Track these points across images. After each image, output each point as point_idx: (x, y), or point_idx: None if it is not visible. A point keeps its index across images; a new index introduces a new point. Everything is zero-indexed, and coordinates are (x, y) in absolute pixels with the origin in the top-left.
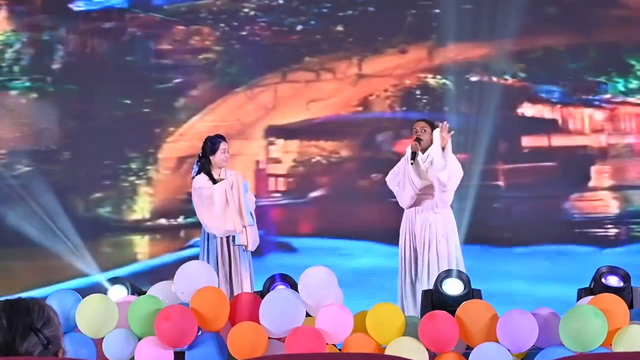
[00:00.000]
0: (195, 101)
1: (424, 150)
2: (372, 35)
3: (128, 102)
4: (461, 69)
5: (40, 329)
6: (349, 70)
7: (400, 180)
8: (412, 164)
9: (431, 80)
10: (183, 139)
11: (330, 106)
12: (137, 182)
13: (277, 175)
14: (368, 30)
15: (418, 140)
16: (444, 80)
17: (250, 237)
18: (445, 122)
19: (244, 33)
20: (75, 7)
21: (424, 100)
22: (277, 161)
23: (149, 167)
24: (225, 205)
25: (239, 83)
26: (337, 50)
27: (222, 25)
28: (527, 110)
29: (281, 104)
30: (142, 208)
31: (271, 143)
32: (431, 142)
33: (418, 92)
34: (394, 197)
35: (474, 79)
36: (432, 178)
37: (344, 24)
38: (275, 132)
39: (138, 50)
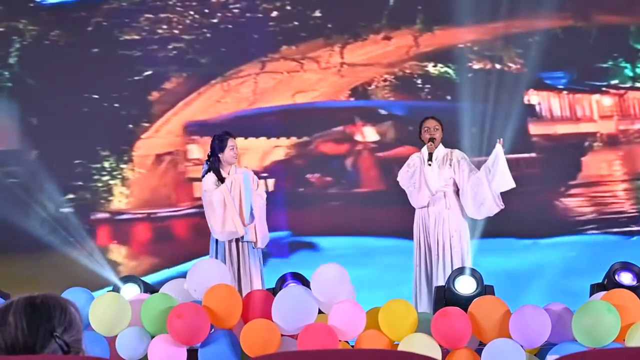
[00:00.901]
0: (168, 94)
1: (435, 147)
2: (353, 20)
3: (96, 97)
4: (454, 55)
5: (61, 335)
6: (333, 59)
7: (416, 182)
8: (429, 165)
9: (432, 69)
10: (159, 135)
11: (319, 97)
12: (111, 182)
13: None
14: (348, 15)
15: (432, 140)
16: (445, 69)
17: (260, 234)
18: (502, 139)
19: (215, 20)
20: None
21: (426, 90)
22: (200, 163)
23: (123, 166)
24: (223, 210)
25: (214, 74)
26: (316, 38)
27: (191, 12)
28: (533, 97)
29: (264, 96)
30: (118, 210)
31: (191, 141)
32: (441, 141)
33: (419, 81)
34: (335, 201)
35: (476, 66)
36: (484, 191)
37: (322, 9)
38: (197, 128)
39: (103, 42)
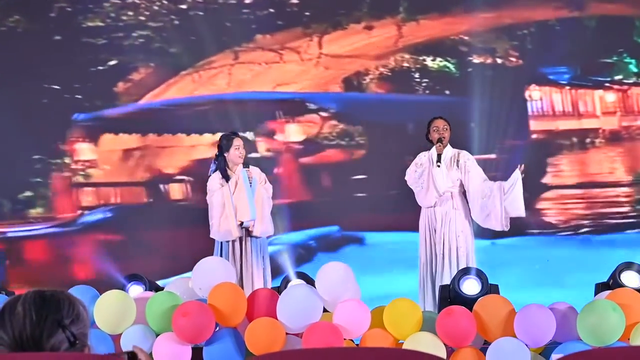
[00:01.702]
0: (136, 86)
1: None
2: (332, 8)
3: (56, 87)
4: (446, 47)
5: (68, 326)
6: (315, 49)
7: (424, 182)
8: (438, 166)
9: (431, 63)
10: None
11: (303, 90)
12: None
13: (86, 185)
14: (326, 3)
15: (440, 140)
16: (444, 63)
17: (260, 224)
18: (523, 165)
19: (184, 7)
20: None
21: (424, 84)
22: (92, 165)
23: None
24: (221, 212)
25: (184, 65)
26: (293, 27)
27: None
28: (535, 93)
29: (241, 88)
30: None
31: (81, 139)
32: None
33: (417, 75)
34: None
35: (477, 60)
36: (493, 205)
37: None
38: (93, 123)
39: (66, 28)
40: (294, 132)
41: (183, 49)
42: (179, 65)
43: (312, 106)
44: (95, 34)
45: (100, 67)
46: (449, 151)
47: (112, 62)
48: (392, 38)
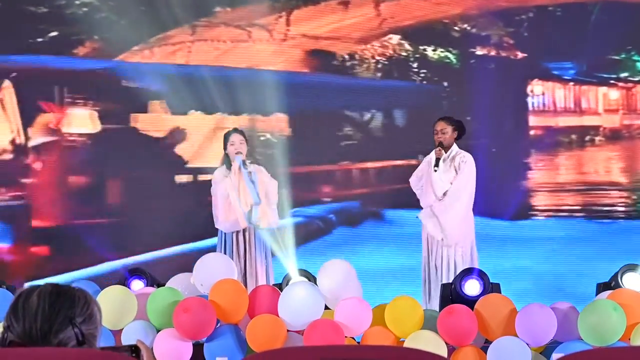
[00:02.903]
0: None
1: (446, 150)
2: None
3: None
4: (433, 32)
5: (79, 324)
6: (284, 27)
7: (424, 185)
8: (435, 170)
9: (429, 53)
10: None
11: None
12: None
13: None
14: None
15: (440, 145)
16: (446, 53)
17: (265, 217)
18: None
19: None
20: None
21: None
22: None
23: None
24: (227, 202)
25: (135, 39)
26: (258, 1)
27: None
28: (537, 87)
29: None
30: None
31: None
32: (453, 141)
33: (416, 65)
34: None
35: (480, 52)
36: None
37: None
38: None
39: None
40: (78, 121)
41: (133, 21)
42: (129, 39)
43: (130, 85)
44: (36, 1)
45: (40, 39)
46: (452, 151)
47: (53, 34)
48: (375, 19)
